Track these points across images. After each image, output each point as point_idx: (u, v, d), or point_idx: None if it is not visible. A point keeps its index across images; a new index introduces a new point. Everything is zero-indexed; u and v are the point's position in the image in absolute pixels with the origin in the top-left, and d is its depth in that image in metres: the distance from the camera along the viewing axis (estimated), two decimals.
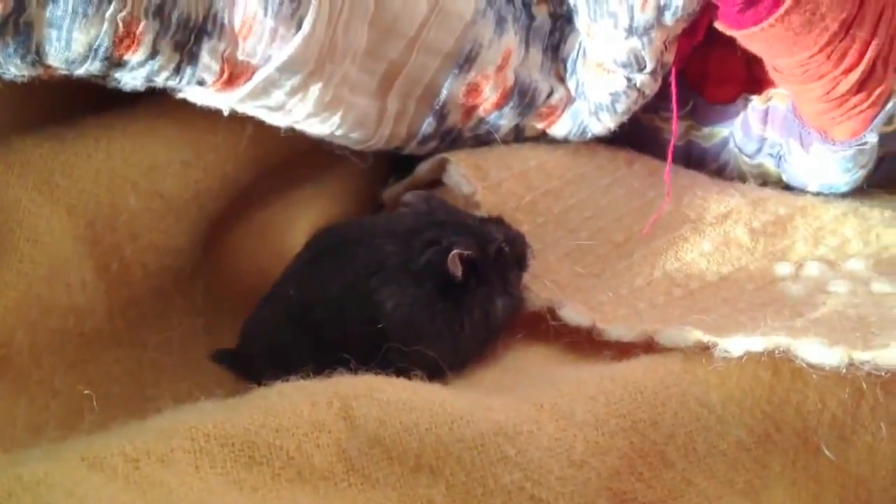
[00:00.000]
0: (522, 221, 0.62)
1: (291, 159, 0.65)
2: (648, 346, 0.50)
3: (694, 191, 0.64)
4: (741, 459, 0.44)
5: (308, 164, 0.66)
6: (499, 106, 0.60)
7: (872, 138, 0.58)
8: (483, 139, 0.64)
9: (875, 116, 0.58)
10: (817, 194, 0.66)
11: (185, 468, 0.38)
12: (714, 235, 0.61)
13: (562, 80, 0.63)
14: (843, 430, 0.45)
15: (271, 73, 0.50)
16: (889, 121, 0.62)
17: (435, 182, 0.65)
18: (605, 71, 0.59)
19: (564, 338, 0.56)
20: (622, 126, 0.65)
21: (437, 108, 0.58)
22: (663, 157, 0.68)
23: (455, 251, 0.49)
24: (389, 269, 0.51)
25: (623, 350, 0.51)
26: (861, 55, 0.54)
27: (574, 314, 0.55)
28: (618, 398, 0.45)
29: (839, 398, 0.45)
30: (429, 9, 0.54)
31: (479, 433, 0.42)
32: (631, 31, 0.54)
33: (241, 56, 0.50)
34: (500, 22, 0.58)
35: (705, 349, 0.47)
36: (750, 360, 0.46)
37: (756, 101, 0.66)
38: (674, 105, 0.58)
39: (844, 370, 0.43)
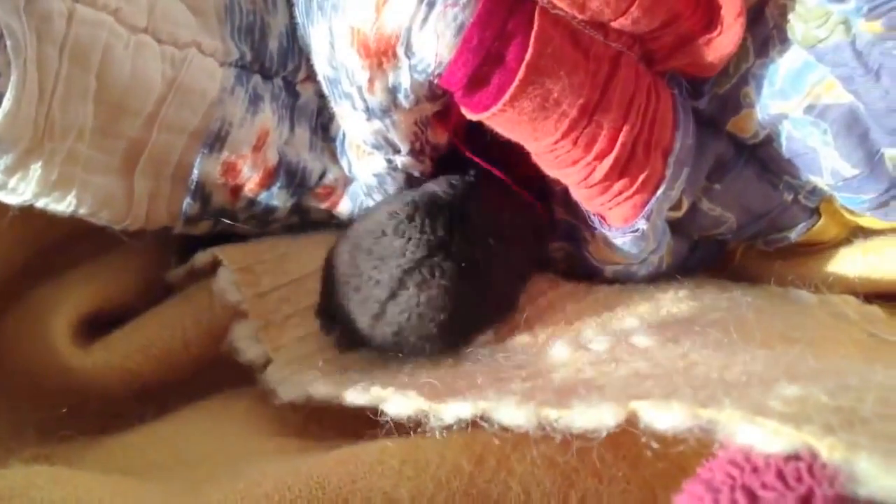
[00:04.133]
0: (298, 326, 0.60)
1: (72, 236, 0.63)
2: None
3: None
4: None
5: (89, 242, 0.64)
6: (264, 186, 0.58)
7: (643, 225, 0.55)
8: (266, 220, 0.61)
9: (646, 202, 0.56)
10: (613, 282, 0.63)
11: None
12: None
13: (335, 160, 0.60)
14: None
15: None
16: (676, 205, 0.59)
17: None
18: (364, 152, 0.57)
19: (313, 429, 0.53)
20: None
21: (193, 188, 0.56)
22: None
23: None
24: None
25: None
26: (612, 141, 0.52)
27: (322, 388, 0.52)
28: (295, 496, 0.41)
29: (544, 489, 0.42)
30: (165, 85, 0.52)
31: None
32: (369, 112, 0.52)
33: None
34: (255, 100, 0.56)
35: (427, 417, 0.44)
36: (453, 447, 0.43)
37: None
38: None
39: (533, 430, 0.40)
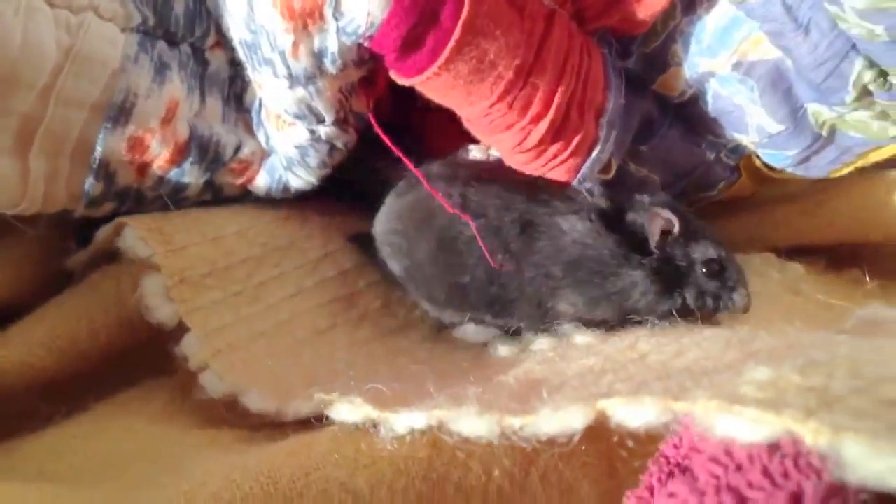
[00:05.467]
0: (214, 288, 0.55)
1: None
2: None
3: None
4: None
5: None
6: (175, 162, 0.53)
7: (582, 188, 0.54)
8: (175, 199, 0.57)
9: (580, 166, 0.54)
10: None
11: None
12: (424, 330, 0.58)
13: (251, 132, 0.56)
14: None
15: None
16: (605, 168, 0.58)
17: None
18: (285, 123, 0.53)
19: (245, 421, 0.50)
20: (360, 172, 0.60)
21: (96, 166, 0.51)
22: None
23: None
24: None
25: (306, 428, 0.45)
26: (547, 103, 0.50)
27: (259, 400, 0.49)
28: (245, 493, 0.38)
29: (504, 467, 0.40)
30: (61, 55, 0.47)
31: None
32: (292, 79, 0.48)
33: None
34: (161, 69, 0.51)
35: (375, 426, 0.42)
36: (411, 435, 0.41)
37: (475, 151, 0.61)
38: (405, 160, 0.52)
39: (497, 440, 0.38)
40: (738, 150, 0.62)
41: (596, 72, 0.53)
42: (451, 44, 0.46)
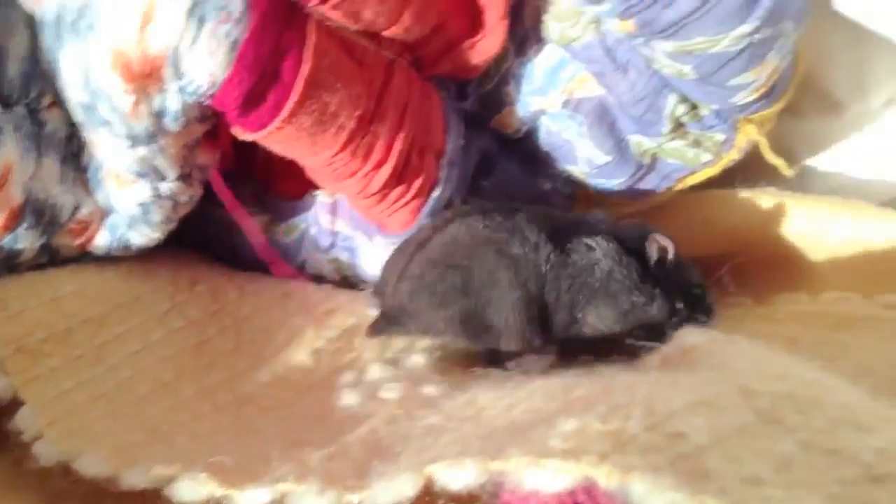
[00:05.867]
0: (53, 354, 0.53)
1: None
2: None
3: (253, 322, 0.59)
4: None
5: None
6: (8, 228, 0.51)
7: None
8: (10, 265, 0.54)
9: (422, 206, 0.56)
10: None
11: None
12: (275, 366, 0.56)
13: (89, 191, 0.55)
14: None
15: None
16: (448, 206, 0.60)
17: None
18: (126, 181, 0.52)
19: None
20: (203, 219, 0.59)
21: None
22: (243, 251, 0.63)
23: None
24: None
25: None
26: (388, 149, 0.52)
27: (93, 465, 0.46)
28: None
29: None
30: None
31: None
32: (133, 139, 0.47)
33: None
34: None
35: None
36: None
37: (322, 196, 0.62)
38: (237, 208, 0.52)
39: None
40: (570, 180, 0.65)
41: (435, 115, 0.55)
42: (294, 98, 0.46)
